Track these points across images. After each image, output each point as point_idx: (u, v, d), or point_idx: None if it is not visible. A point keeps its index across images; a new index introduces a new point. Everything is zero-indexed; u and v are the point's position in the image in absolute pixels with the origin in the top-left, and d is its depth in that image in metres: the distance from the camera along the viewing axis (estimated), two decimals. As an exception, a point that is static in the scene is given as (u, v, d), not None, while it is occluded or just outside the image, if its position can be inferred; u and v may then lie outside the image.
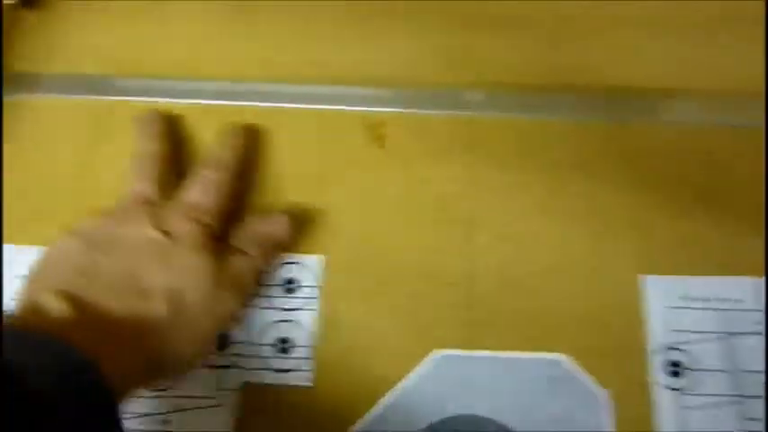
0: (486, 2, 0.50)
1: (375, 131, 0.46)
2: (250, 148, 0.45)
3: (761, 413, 0.38)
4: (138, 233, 0.38)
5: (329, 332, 0.41)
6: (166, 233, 0.38)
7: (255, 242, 0.41)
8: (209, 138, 0.46)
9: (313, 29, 0.50)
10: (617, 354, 0.39)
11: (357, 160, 0.45)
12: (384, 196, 0.44)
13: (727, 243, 0.42)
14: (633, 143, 0.45)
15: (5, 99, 0.48)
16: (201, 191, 0.41)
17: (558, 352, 0.40)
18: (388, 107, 0.47)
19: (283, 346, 0.40)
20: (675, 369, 0.39)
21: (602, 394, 0.38)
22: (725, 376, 0.38)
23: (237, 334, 0.41)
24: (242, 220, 0.42)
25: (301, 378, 0.40)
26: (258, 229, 0.41)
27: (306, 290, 0.42)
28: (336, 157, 0.46)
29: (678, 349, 0.39)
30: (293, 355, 0.40)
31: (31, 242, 0.42)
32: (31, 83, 0.48)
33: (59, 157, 0.46)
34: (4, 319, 0.34)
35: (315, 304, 0.41)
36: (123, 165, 0.44)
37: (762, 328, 0.39)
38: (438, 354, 0.40)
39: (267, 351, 0.40)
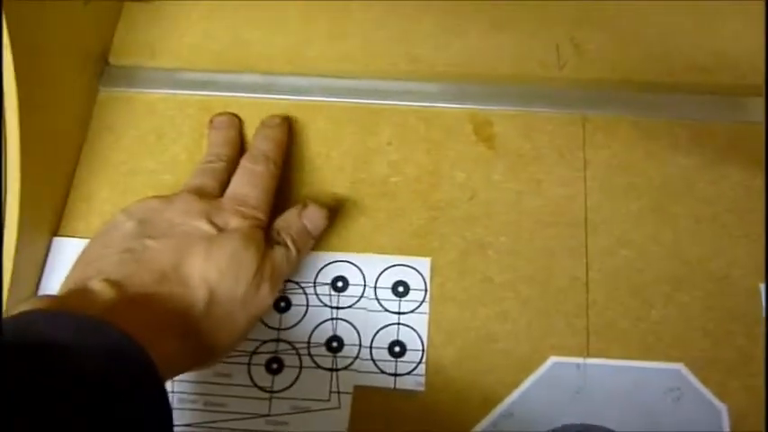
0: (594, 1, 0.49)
1: (483, 131, 0.45)
2: (289, 139, 0.46)
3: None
4: (190, 223, 0.39)
5: (441, 336, 0.41)
6: (217, 226, 0.39)
7: (294, 233, 0.41)
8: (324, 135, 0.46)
9: (412, 25, 0.49)
10: (737, 366, 0.39)
11: (465, 160, 0.45)
12: (494, 198, 0.44)
13: None
14: (758, 144, 0.44)
15: (107, 91, 0.48)
16: (249, 184, 0.42)
17: (676, 362, 0.39)
18: (495, 105, 0.46)
19: (395, 350, 0.40)
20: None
21: (721, 407, 0.38)
22: None
23: (350, 336, 0.41)
24: (288, 212, 0.42)
25: (413, 383, 0.40)
26: (296, 221, 0.42)
27: (415, 293, 0.42)
28: (444, 157, 0.45)
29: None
30: (405, 359, 0.40)
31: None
32: (132, 77, 0.48)
33: (163, 154, 0.46)
34: (53, 301, 0.34)
35: (425, 308, 0.41)
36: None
37: None
38: (554, 361, 0.40)
39: (379, 354, 0.40)
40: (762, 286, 0.40)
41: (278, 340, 0.41)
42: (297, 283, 0.42)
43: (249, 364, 0.41)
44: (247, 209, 0.40)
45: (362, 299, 0.42)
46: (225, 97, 0.47)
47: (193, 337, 0.36)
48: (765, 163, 0.43)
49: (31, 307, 0.33)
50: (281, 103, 0.47)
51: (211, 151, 0.45)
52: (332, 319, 0.42)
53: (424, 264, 0.42)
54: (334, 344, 0.41)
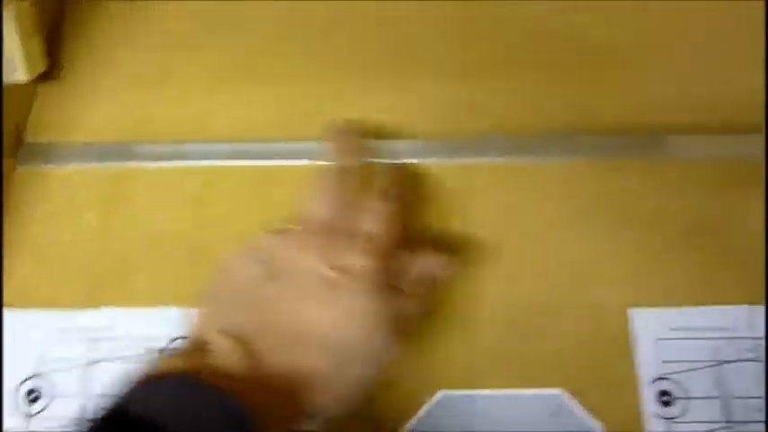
0: (492, 46, 0.52)
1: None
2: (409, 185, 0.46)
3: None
4: (312, 268, 0.37)
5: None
6: (340, 271, 0.36)
7: (423, 284, 0.40)
8: (233, 199, 0.48)
9: (319, 84, 0.52)
10: (611, 387, 0.42)
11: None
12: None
13: (714, 274, 0.44)
14: (622, 181, 0.47)
15: (24, 169, 0.50)
16: (376, 222, 0.39)
17: (556, 387, 0.42)
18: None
19: None
20: (667, 399, 0.41)
21: (597, 427, 0.41)
22: (716, 403, 0.41)
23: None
24: (406, 258, 0.40)
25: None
26: (426, 271, 0.41)
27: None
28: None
29: (669, 379, 0.41)
30: None
31: (47, 306, 0.45)
32: (47, 153, 0.51)
33: (79, 224, 0.48)
34: (173, 354, 0.35)
35: None
36: (141, 229, 0.48)
37: (752, 354, 0.41)
38: (443, 394, 0.42)
39: None
40: (631, 311, 0.43)
41: None
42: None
43: None
44: (373, 248, 0.38)
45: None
46: (136, 166, 0.50)
47: (308, 405, 0.35)
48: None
49: (167, 365, 0.34)
50: (187, 169, 0.49)
51: (328, 166, 0.43)
52: None
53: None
54: None
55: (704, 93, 0.49)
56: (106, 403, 0.31)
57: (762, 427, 0.40)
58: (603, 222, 0.46)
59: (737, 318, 0.42)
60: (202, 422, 0.31)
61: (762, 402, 0.40)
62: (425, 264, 0.41)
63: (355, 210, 0.40)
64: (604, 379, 0.42)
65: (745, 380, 0.41)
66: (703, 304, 0.43)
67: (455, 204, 0.47)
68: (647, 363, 0.42)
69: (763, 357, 0.41)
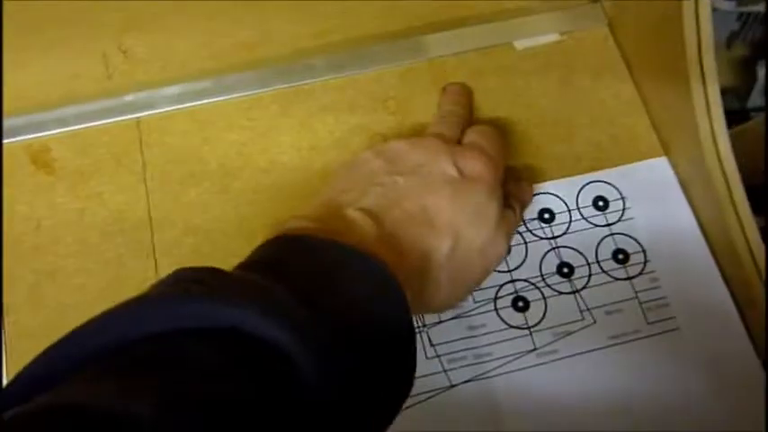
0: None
1: (41, 159, 0.45)
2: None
3: (442, 337, 0.41)
4: (438, 167, 0.38)
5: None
6: (462, 171, 0.38)
7: (521, 204, 0.43)
8: None
9: None
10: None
11: (25, 192, 0.44)
12: (58, 221, 0.43)
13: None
14: (309, 103, 0.46)
15: None
16: (484, 138, 0.41)
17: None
18: (51, 130, 0.46)
19: (619, 257, 0.43)
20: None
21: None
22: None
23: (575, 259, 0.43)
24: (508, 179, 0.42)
25: (648, 281, 0.42)
26: (521, 192, 0.43)
27: (614, 203, 0.44)
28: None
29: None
30: (631, 263, 0.43)
31: None
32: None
33: None
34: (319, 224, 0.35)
35: (630, 213, 0.44)
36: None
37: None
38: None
39: (608, 265, 0.43)
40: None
41: (513, 281, 0.42)
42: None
43: (496, 309, 0.42)
44: (492, 158, 0.39)
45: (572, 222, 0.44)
46: None
47: (432, 281, 0.36)
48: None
49: (298, 225, 0.35)
50: None
51: (445, 109, 0.45)
52: (552, 248, 0.43)
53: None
54: (565, 269, 0.43)
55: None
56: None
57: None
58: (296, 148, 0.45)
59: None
60: (352, 279, 0.32)
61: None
62: (526, 191, 0.44)
63: (470, 131, 0.42)
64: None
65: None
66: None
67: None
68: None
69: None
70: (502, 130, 0.45)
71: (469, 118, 0.46)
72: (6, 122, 0.46)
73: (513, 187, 0.43)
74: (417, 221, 0.37)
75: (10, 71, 0.47)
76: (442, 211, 0.37)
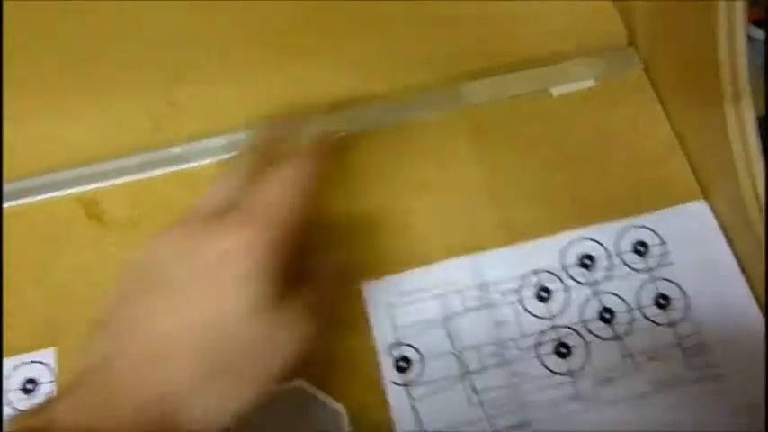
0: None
1: (92, 210, 0.47)
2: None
3: (486, 384, 0.41)
4: (183, 262, 0.32)
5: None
6: (219, 256, 0.31)
7: (327, 273, 0.37)
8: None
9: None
10: (351, 365, 0.42)
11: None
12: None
13: (435, 231, 0.45)
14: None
15: None
16: (277, 186, 0.34)
17: (298, 379, 0.41)
18: (101, 182, 0.47)
19: (661, 302, 0.43)
20: (404, 364, 0.42)
21: (340, 408, 0.41)
22: (449, 358, 0.42)
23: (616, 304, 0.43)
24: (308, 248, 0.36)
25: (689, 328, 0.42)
26: (329, 259, 0.38)
27: (655, 248, 0.44)
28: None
29: (405, 344, 0.42)
30: (671, 308, 0.42)
31: None
32: None
33: None
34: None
35: (672, 258, 0.43)
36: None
37: (477, 303, 0.43)
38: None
39: (650, 311, 0.42)
40: (362, 283, 0.43)
41: (554, 327, 0.42)
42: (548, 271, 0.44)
43: (538, 355, 0.42)
44: (264, 217, 0.32)
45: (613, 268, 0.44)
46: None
47: (185, 413, 0.30)
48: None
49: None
50: None
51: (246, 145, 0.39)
52: (594, 294, 0.43)
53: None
54: (606, 315, 0.42)
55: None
56: None
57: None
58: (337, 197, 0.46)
59: (460, 270, 0.44)
60: None
61: (494, 347, 0.42)
62: (337, 256, 0.39)
63: (252, 184, 0.35)
64: (344, 358, 0.42)
65: (474, 329, 0.42)
66: (427, 263, 0.44)
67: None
68: (382, 332, 0.42)
69: (489, 303, 0.43)
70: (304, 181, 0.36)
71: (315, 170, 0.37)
72: (58, 175, 0.47)
73: (320, 256, 0.38)
74: (159, 355, 0.31)
75: (60, 125, 0.50)
76: (187, 328, 0.31)
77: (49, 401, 0.31)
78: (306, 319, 0.33)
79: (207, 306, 0.31)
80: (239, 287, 0.31)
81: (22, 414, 0.32)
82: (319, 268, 0.37)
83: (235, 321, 0.31)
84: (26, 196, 0.47)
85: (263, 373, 0.32)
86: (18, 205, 0.47)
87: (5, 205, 0.47)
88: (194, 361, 0.31)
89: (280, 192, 0.34)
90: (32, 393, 0.42)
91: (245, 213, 0.33)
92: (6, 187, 0.47)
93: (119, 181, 0.47)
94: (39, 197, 0.47)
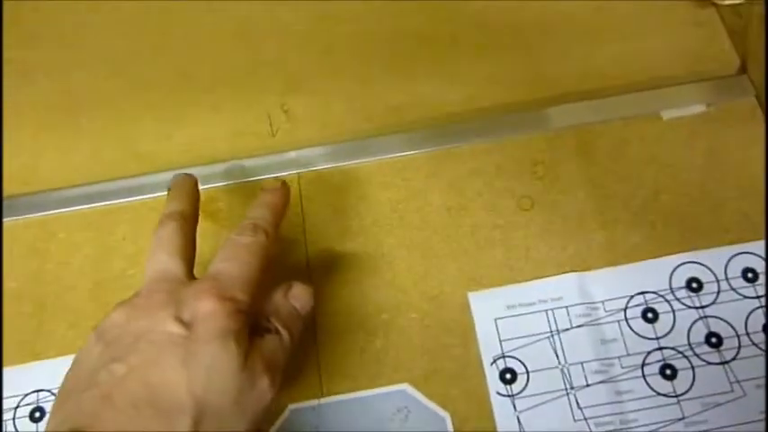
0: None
1: (209, 208, 0.48)
2: (286, 206, 0.43)
3: (590, 400, 0.41)
4: (158, 328, 0.34)
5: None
6: (187, 324, 0.33)
7: (284, 317, 0.38)
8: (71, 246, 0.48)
9: (134, 126, 0.52)
10: (456, 374, 0.43)
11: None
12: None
13: (541, 247, 0.46)
14: (453, 166, 0.48)
15: None
16: (229, 258, 0.37)
17: (400, 383, 0.43)
18: (218, 182, 0.49)
19: None
20: (509, 376, 0.42)
21: (445, 416, 0.42)
22: (554, 373, 0.42)
23: (724, 330, 0.43)
24: (267, 293, 0.39)
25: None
26: (286, 303, 0.38)
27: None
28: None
29: (510, 357, 0.43)
30: None
31: None
32: None
33: None
34: None
35: None
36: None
37: (584, 320, 0.43)
38: (291, 408, 0.43)
39: (758, 338, 0.42)
40: (469, 295, 0.45)
41: (660, 348, 0.43)
42: (655, 293, 0.44)
43: (644, 376, 0.42)
44: (222, 289, 0.35)
45: (720, 293, 0.44)
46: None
47: None
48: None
49: None
50: (20, 222, 0.49)
51: (163, 214, 0.40)
52: (701, 318, 0.44)
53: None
54: (713, 340, 0.43)
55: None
56: None
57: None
58: (445, 208, 0.47)
59: (566, 287, 0.44)
60: None
61: (598, 364, 0.42)
62: (294, 298, 0.39)
63: (219, 253, 0.38)
64: (449, 367, 0.43)
65: (579, 345, 0.43)
66: (534, 278, 0.45)
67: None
68: (488, 343, 0.43)
69: (595, 321, 0.43)
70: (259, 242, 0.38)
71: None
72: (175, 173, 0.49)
73: (277, 299, 0.38)
74: (142, 418, 0.31)
75: (182, 126, 0.52)
76: (171, 387, 0.32)
77: None
78: (266, 378, 0.34)
79: (193, 365, 0.32)
80: (224, 344, 0.33)
81: None
82: (275, 312, 0.38)
83: (223, 380, 0.33)
84: (150, 192, 0.49)
85: (244, 426, 0.33)
86: (145, 199, 0.49)
87: (129, 200, 0.49)
88: (187, 418, 0.32)
89: (237, 262, 0.37)
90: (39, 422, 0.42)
91: (210, 285, 0.35)
92: (131, 182, 0.50)
93: (234, 182, 0.49)
94: (162, 193, 0.48)
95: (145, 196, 0.49)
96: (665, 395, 0.41)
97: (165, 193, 0.44)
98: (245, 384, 0.33)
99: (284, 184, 0.43)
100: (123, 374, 0.32)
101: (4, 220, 0.50)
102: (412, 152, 0.49)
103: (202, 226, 0.46)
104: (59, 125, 0.53)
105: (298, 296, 0.39)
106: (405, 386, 0.43)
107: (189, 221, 0.40)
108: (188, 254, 0.39)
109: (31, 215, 0.49)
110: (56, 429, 0.32)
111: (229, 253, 0.37)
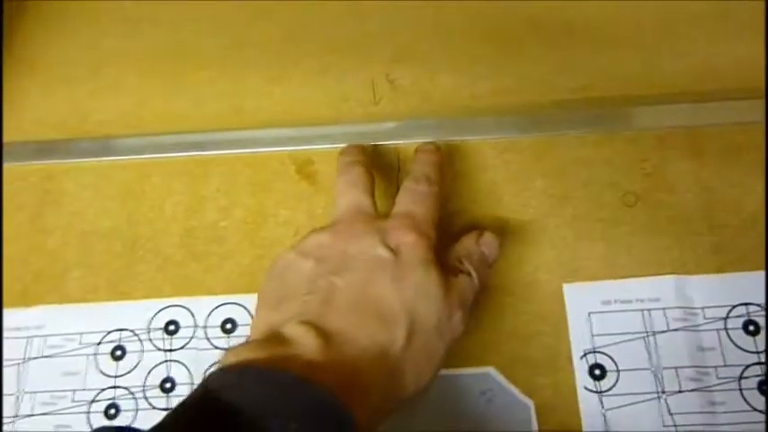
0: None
1: (305, 170, 0.48)
2: (444, 164, 0.45)
3: (681, 407, 0.40)
4: (368, 251, 0.37)
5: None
6: (394, 249, 0.37)
7: (474, 262, 0.40)
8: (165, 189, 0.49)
9: (239, 81, 0.52)
10: (544, 363, 0.42)
11: (288, 198, 0.47)
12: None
13: (643, 245, 0.44)
14: (559, 154, 0.47)
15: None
16: (416, 202, 0.40)
17: (486, 365, 0.42)
18: (316, 145, 0.49)
19: None
20: (598, 372, 0.41)
21: (529, 403, 0.41)
22: (647, 374, 0.41)
23: (181, 376, 0.43)
24: (454, 238, 0.42)
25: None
26: (476, 248, 0.41)
27: (243, 328, 0.44)
28: (268, 198, 0.47)
29: (601, 352, 0.41)
30: None
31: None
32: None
33: (12, 223, 0.48)
34: (246, 353, 0.33)
35: None
36: (74, 226, 0.47)
37: (681, 324, 0.42)
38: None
39: None
40: (564, 286, 0.43)
41: (760, 363, 0.41)
42: (132, 331, 0.44)
43: (740, 389, 0.41)
44: (417, 224, 0.39)
45: (193, 339, 0.44)
46: (65, 164, 0.50)
47: (398, 381, 0.35)
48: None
49: (233, 359, 0.32)
50: (118, 163, 0.49)
51: (345, 163, 0.44)
52: (165, 361, 0.43)
53: (249, 300, 0.44)
54: (167, 384, 0.43)
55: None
56: (194, 391, 0.31)
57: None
58: (547, 195, 0.46)
59: (665, 288, 0.43)
60: (295, 412, 0.30)
61: (693, 371, 0.41)
62: (483, 245, 0.41)
63: (400, 195, 0.42)
64: (537, 356, 0.42)
65: (675, 350, 0.41)
66: (632, 276, 0.43)
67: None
68: (579, 337, 0.42)
69: (693, 326, 0.42)
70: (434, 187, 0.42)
71: (439, 180, 0.43)
72: (276, 132, 0.49)
73: (469, 244, 0.41)
74: (365, 321, 0.35)
75: (284, 86, 0.52)
76: (387, 300, 0.35)
77: (269, 341, 0.34)
78: (459, 312, 0.37)
79: (403, 285, 0.36)
80: (426, 272, 0.37)
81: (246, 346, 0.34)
82: (468, 256, 0.41)
83: (428, 302, 0.36)
84: (247, 147, 0.49)
85: (442, 351, 0.36)
86: (241, 154, 0.49)
87: (225, 152, 0.49)
88: (403, 330, 0.35)
89: (422, 206, 0.40)
90: (231, 333, 0.44)
91: (408, 222, 0.39)
92: (229, 135, 0.49)
93: (333, 146, 0.48)
94: (258, 149, 0.49)
95: (241, 150, 0.49)
96: (761, 411, 0.40)
97: (262, 149, 0.46)
98: (444, 314, 0.36)
99: (437, 146, 0.46)
100: (343, 285, 0.36)
101: (105, 158, 0.50)
102: (515, 135, 0.48)
103: (300, 186, 0.47)
104: (165, 74, 0.53)
105: (488, 243, 0.42)
106: (490, 369, 0.42)
107: (369, 168, 0.44)
108: (374, 193, 0.42)
109: (128, 156, 0.50)
110: (277, 322, 0.35)
111: (415, 197, 0.41)
